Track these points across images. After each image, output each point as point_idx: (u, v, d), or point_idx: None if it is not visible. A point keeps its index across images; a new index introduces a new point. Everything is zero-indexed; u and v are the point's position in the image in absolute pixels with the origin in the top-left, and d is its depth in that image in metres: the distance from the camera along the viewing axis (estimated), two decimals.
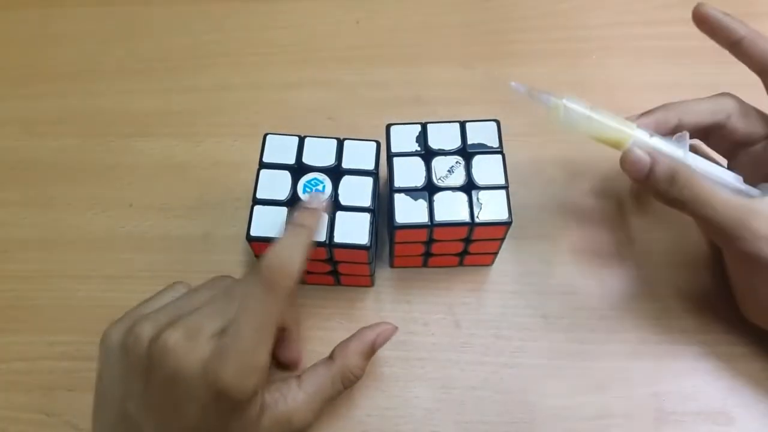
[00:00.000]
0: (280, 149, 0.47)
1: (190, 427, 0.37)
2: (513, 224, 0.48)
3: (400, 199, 0.45)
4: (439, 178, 0.45)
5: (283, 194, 0.45)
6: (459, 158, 0.46)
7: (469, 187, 0.45)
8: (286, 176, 0.46)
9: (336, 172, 0.46)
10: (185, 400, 0.37)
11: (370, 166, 0.46)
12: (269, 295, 0.37)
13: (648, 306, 0.50)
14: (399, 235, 0.46)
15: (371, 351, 0.44)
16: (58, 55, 0.64)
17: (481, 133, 0.47)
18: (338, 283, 0.51)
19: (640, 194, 0.54)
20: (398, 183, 0.45)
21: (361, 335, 0.44)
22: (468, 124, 0.47)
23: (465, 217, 0.44)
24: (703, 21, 0.46)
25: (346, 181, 0.45)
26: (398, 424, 0.47)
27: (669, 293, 0.50)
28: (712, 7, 0.46)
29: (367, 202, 0.45)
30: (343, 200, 0.45)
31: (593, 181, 0.55)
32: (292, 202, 0.45)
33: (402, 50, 0.63)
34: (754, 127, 0.48)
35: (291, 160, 0.46)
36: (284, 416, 0.40)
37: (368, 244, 0.43)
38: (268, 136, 0.47)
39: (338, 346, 0.44)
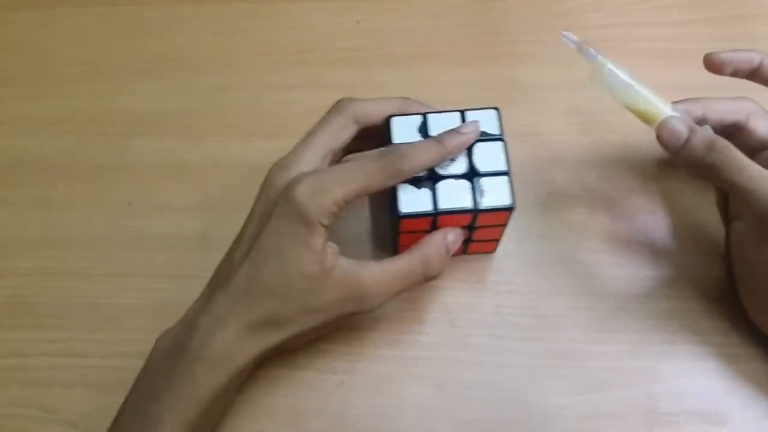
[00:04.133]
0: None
1: (256, 225, 0.44)
2: (510, 223, 0.49)
3: (403, 189, 0.45)
4: (441, 166, 0.45)
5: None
6: None
7: (472, 174, 0.45)
8: None
9: None
10: (270, 204, 0.44)
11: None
12: (379, 163, 0.43)
13: (643, 306, 0.50)
14: (404, 225, 0.46)
15: (444, 244, 0.46)
16: (59, 55, 0.64)
17: (481, 121, 0.47)
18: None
19: None
20: None
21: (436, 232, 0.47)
22: (468, 113, 0.47)
23: (468, 204, 0.44)
24: (721, 66, 0.47)
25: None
26: (393, 423, 0.47)
27: (664, 294, 0.50)
28: (719, 51, 0.47)
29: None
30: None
31: (591, 182, 0.55)
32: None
33: (402, 51, 0.63)
34: None
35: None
36: (354, 276, 0.43)
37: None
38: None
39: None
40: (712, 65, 0.48)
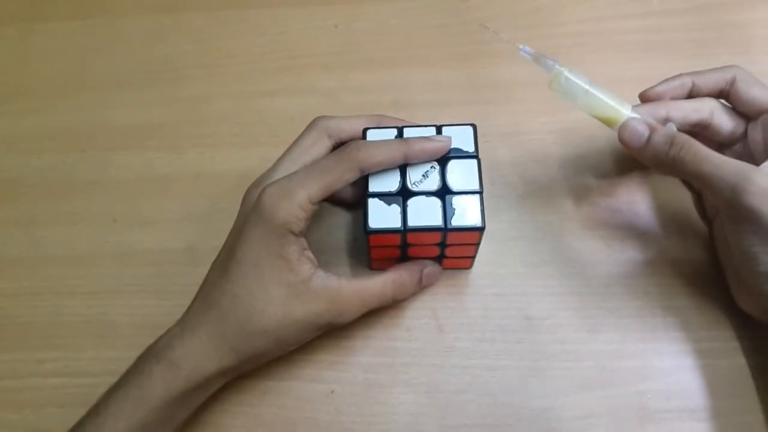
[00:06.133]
0: None
1: (233, 238, 0.45)
2: (494, 225, 0.48)
3: (373, 204, 0.45)
4: (414, 183, 0.45)
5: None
6: (434, 163, 0.46)
7: (444, 192, 0.45)
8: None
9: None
10: (244, 217, 0.45)
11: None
12: (336, 156, 0.44)
13: (631, 305, 0.50)
14: (373, 240, 0.46)
15: (420, 275, 0.48)
16: (37, 71, 0.64)
17: (457, 138, 0.47)
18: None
19: None
20: (372, 188, 0.45)
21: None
22: (444, 128, 0.47)
23: (438, 222, 0.44)
24: (660, 97, 0.49)
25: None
26: (384, 431, 0.47)
27: (651, 292, 0.50)
28: (649, 87, 0.50)
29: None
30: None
31: (574, 180, 0.55)
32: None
33: (381, 54, 0.62)
34: (735, 125, 0.49)
35: None
36: (334, 287, 0.44)
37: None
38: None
39: None
40: (649, 101, 0.49)
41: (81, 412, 0.48)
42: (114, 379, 0.48)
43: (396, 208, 0.45)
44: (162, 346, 0.43)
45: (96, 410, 0.42)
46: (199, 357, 0.42)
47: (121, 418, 0.41)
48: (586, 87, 0.46)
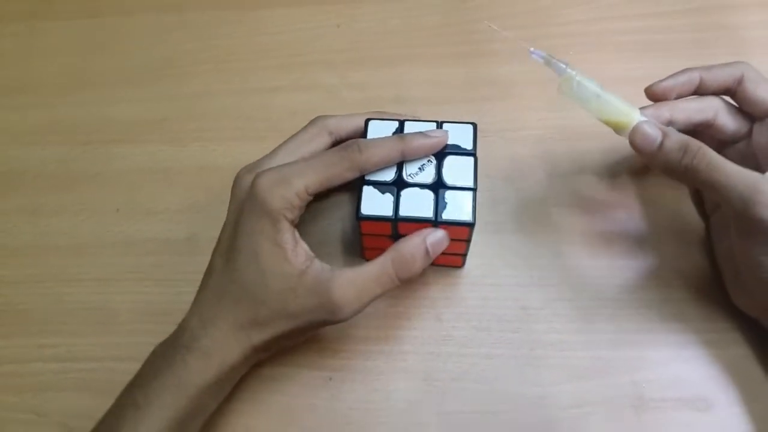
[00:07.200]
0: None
1: (231, 226, 0.45)
2: (491, 217, 0.49)
3: (368, 192, 0.46)
4: (409, 175, 0.46)
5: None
6: (431, 157, 0.47)
7: (437, 185, 0.46)
8: None
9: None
10: (239, 204, 0.45)
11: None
12: (338, 154, 0.44)
13: (626, 296, 0.51)
14: (364, 227, 0.47)
15: (424, 245, 0.45)
16: (44, 66, 0.65)
17: (457, 135, 0.47)
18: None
19: None
20: (369, 176, 0.46)
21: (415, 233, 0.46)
22: (445, 125, 0.48)
23: (429, 214, 0.45)
24: (665, 95, 0.49)
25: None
26: (381, 416, 0.48)
27: (647, 283, 0.51)
28: (656, 81, 0.49)
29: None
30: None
31: (572, 175, 0.56)
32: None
33: (383, 52, 0.63)
34: (739, 125, 0.49)
35: None
36: (325, 284, 0.43)
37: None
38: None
39: None
40: (656, 96, 0.49)
41: (81, 397, 0.49)
42: (115, 365, 0.50)
43: (389, 197, 0.45)
44: (188, 338, 0.43)
45: (134, 403, 0.41)
46: (224, 347, 0.43)
47: (163, 407, 0.41)
48: (599, 92, 0.46)
